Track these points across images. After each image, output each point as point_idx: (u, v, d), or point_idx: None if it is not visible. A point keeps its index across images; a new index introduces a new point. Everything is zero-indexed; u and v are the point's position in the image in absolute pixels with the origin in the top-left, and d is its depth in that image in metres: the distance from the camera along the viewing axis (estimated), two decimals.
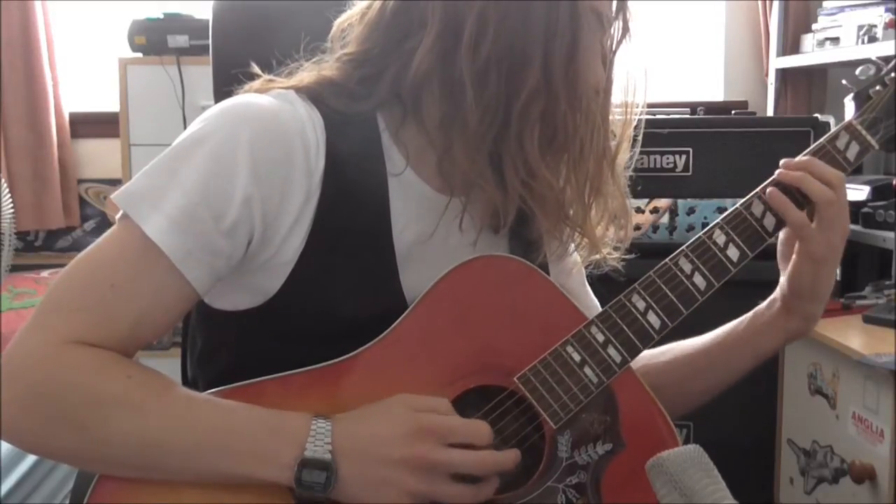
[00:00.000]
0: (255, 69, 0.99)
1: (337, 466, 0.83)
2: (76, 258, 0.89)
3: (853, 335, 1.74)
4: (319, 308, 0.93)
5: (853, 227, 2.29)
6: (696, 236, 1.00)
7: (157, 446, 0.84)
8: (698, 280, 0.98)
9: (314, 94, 0.94)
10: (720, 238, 0.99)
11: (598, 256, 1.05)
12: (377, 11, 0.95)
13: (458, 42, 0.89)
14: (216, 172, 0.88)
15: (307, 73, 0.97)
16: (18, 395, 0.83)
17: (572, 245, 1.09)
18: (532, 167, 0.92)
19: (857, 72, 1.06)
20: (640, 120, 1.01)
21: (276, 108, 0.91)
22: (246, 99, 0.93)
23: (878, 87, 1.04)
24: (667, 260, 0.99)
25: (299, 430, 0.84)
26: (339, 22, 0.99)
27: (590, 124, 0.94)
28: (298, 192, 0.91)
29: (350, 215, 0.93)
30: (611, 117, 0.98)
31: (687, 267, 0.98)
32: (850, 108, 1.05)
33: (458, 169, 0.93)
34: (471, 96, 0.89)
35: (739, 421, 2.11)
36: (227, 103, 0.93)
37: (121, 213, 0.89)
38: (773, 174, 1.02)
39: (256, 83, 0.97)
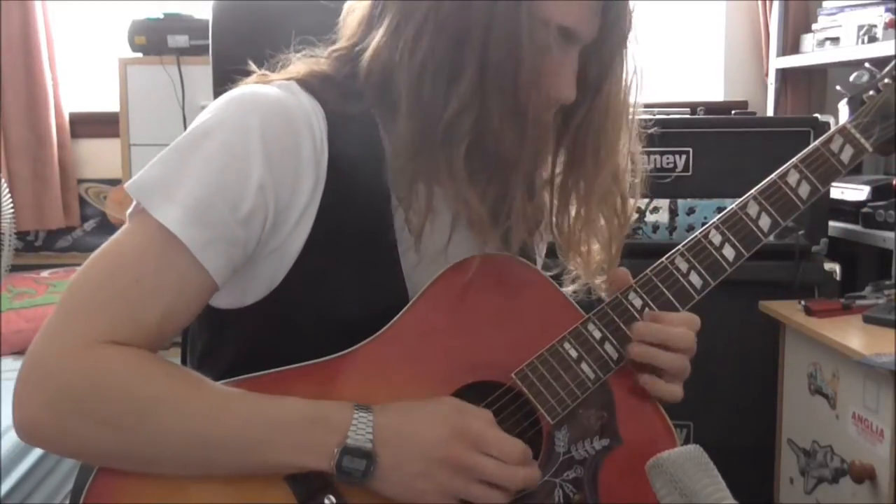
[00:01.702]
0: (253, 69, 1.00)
1: (377, 455, 0.85)
2: (93, 255, 0.88)
3: (853, 335, 1.74)
4: (322, 300, 0.93)
5: (853, 227, 2.29)
6: (692, 236, 1.00)
7: (197, 441, 0.84)
8: (694, 279, 0.99)
9: (312, 87, 0.94)
10: (716, 238, 1.00)
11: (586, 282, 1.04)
12: (361, 7, 0.96)
13: (399, 47, 0.89)
14: (229, 162, 0.88)
15: (301, 66, 0.98)
16: (50, 399, 0.83)
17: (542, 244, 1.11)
18: (458, 187, 0.90)
19: (851, 77, 1.08)
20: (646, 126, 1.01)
21: (282, 97, 0.92)
22: (251, 89, 0.93)
23: (871, 93, 1.06)
24: (663, 259, 1.00)
25: (342, 420, 0.86)
26: (349, 6, 1.00)
27: (542, 143, 0.93)
28: (308, 179, 0.91)
29: (353, 206, 0.93)
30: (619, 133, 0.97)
31: (683, 266, 0.99)
32: (843, 112, 1.07)
33: (397, 175, 0.93)
34: (405, 105, 0.89)
35: (739, 421, 2.12)
36: (233, 93, 0.93)
37: (132, 207, 0.89)
38: (772, 174, 1.03)
39: (252, 78, 0.98)
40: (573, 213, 1.00)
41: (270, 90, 0.93)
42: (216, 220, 0.87)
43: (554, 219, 1.02)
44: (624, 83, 0.96)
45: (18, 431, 0.85)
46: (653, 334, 0.95)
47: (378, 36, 0.92)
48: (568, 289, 1.03)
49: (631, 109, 0.98)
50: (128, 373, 0.84)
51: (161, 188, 0.87)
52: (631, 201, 1.01)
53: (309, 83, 0.95)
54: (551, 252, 1.10)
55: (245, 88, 0.94)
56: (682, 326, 0.97)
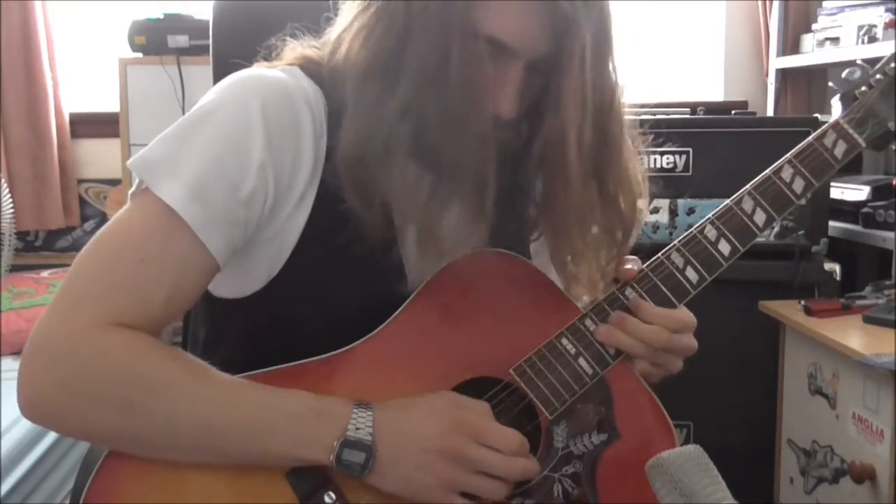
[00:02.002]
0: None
1: (376, 449, 0.85)
2: (97, 235, 0.89)
3: (853, 335, 1.74)
4: (321, 289, 0.93)
5: (853, 227, 2.29)
6: (688, 231, 1.01)
7: (203, 428, 0.85)
8: (690, 274, 0.99)
9: (313, 72, 0.95)
10: (711, 233, 1.00)
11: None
12: None
13: (347, 41, 0.90)
14: (231, 141, 0.88)
15: (299, 53, 0.98)
16: (61, 379, 0.83)
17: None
18: (402, 193, 0.89)
19: (844, 74, 1.08)
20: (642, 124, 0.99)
21: (284, 79, 0.92)
22: (254, 71, 0.94)
23: (864, 88, 1.07)
24: (659, 254, 1.00)
25: (342, 414, 0.86)
26: None
27: (485, 159, 0.88)
28: (307, 162, 0.91)
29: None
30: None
31: (679, 261, 0.99)
32: (837, 108, 1.08)
33: (348, 174, 0.90)
34: (351, 104, 0.89)
35: (739, 421, 2.12)
36: (236, 75, 0.94)
37: (135, 187, 0.90)
38: (767, 169, 1.03)
39: (255, 64, 0.98)
40: (556, 241, 0.98)
41: (273, 72, 0.93)
42: (217, 198, 0.87)
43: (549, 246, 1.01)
44: (609, 95, 0.92)
45: (24, 409, 0.85)
46: (622, 325, 0.96)
47: (337, 30, 0.93)
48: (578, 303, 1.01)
49: (624, 123, 0.95)
50: (137, 357, 0.85)
51: (163, 165, 0.88)
52: (638, 211, 0.99)
53: (310, 69, 0.95)
54: None
55: (248, 71, 0.95)
56: (658, 323, 0.96)
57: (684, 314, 0.99)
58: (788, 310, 1.95)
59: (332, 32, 0.96)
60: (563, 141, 0.90)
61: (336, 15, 0.97)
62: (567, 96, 0.88)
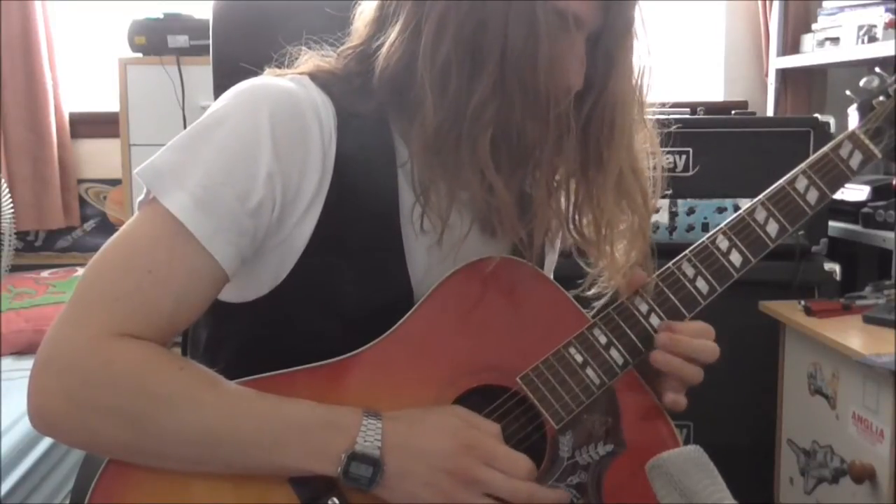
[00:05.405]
0: (252, 69, 0.99)
1: (384, 463, 0.85)
2: (106, 245, 0.89)
3: (853, 335, 1.74)
4: (326, 296, 0.93)
5: (853, 227, 2.30)
6: (700, 241, 1.00)
7: (211, 439, 0.84)
8: (701, 284, 0.99)
9: (323, 82, 0.95)
10: (723, 243, 1.00)
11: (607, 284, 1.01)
12: (370, 8, 0.97)
13: (419, 44, 0.89)
14: (238, 151, 0.88)
15: (312, 63, 0.98)
16: (68, 389, 0.83)
17: (557, 242, 1.10)
18: (484, 177, 0.90)
19: (862, 82, 1.07)
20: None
21: (293, 89, 0.92)
22: (263, 80, 0.94)
23: (881, 98, 1.06)
24: (670, 264, 1.00)
25: (351, 425, 0.86)
26: (358, 8, 0.99)
27: (563, 131, 0.91)
28: (314, 172, 0.91)
29: (359, 202, 0.93)
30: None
31: (690, 271, 0.99)
32: (853, 117, 1.06)
33: (417, 172, 0.93)
34: (430, 101, 0.89)
35: (739, 421, 2.12)
36: (244, 84, 0.93)
37: (143, 196, 0.90)
38: (772, 174, 1.03)
39: (265, 72, 0.98)
40: (592, 211, 0.98)
41: (282, 82, 0.93)
42: (224, 208, 0.87)
43: (572, 221, 1.01)
44: (634, 78, 0.94)
45: (33, 419, 0.85)
46: (679, 346, 0.96)
47: (393, 35, 0.92)
48: (589, 292, 1.01)
49: (646, 107, 0.97)
50: (144, 368, 0.85)
51: (171, 175, 0.88)
52: (651, 195, 0.99)
53: (320, 78, 0.95)
54: (567, 255, 1.09)
55: (257, 79, 0.94)
56: (703, 337, 0.97)
57: (708, 325, 0.99)
58: (788, 310, 1.96)
59: (362, 39, 0.96)
60: (614, 103, 0.93)
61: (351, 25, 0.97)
62: (618, 65, 0.92)
